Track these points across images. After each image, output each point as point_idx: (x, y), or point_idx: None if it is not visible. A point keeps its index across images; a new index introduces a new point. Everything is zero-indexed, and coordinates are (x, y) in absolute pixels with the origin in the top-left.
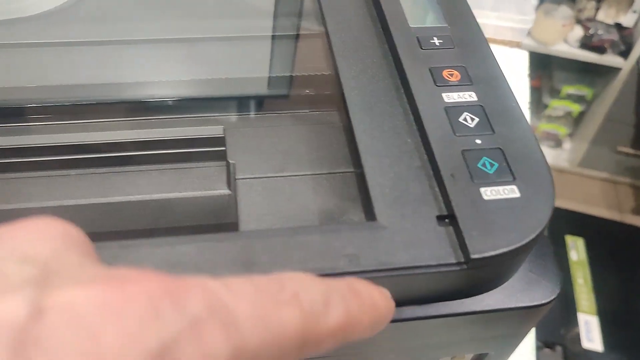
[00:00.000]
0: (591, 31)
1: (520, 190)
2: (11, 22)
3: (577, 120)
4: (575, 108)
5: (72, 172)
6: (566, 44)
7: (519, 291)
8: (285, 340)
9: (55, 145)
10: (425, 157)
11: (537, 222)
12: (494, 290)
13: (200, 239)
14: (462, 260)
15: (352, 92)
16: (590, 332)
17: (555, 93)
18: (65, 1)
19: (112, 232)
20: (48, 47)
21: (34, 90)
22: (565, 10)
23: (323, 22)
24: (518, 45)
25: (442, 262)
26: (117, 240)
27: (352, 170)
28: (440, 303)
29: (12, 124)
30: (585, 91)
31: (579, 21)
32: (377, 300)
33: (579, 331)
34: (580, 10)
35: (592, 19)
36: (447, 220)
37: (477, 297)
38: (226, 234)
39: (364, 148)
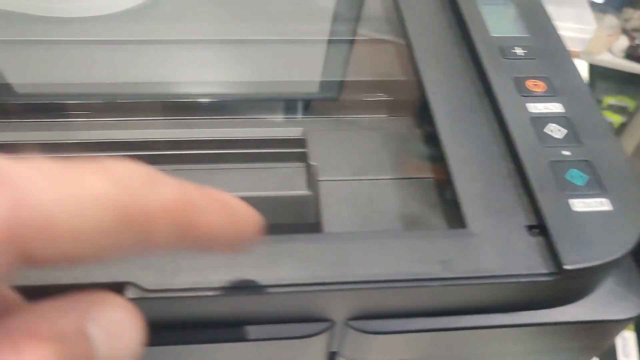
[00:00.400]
0: (637, 41)
1: (613, 204)
2: (89, 20)
3: (617, 132)
4: (617, 119)
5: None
6: (610, 53)
7: (605, 304)
8: (93, 205)
9: (135, 141)
10: (512, 166)
11: (630, 236)
12: (579, 302)
13: (286, 239)
14: (555, 270)
15: (437, 99)
16: (626, 348)
17: None
18: (143, 1)
19: None
20: (124, 44)
21: (112, 86)
22: (611, 20)
23: (404, 29)
24: (577, 55)
25: (534, 271)
26: None
27: (432, 176)
28: (525, 312)
29: (96, 119)
30: (627, 102)
31: (624, 31)
32: (231, 202)
33: (615, 346)
34: (626, 20)
35: (638, 29)
36: (537, 230)
37: (562, 307)
38: (316, 235)
39: (451, 155)
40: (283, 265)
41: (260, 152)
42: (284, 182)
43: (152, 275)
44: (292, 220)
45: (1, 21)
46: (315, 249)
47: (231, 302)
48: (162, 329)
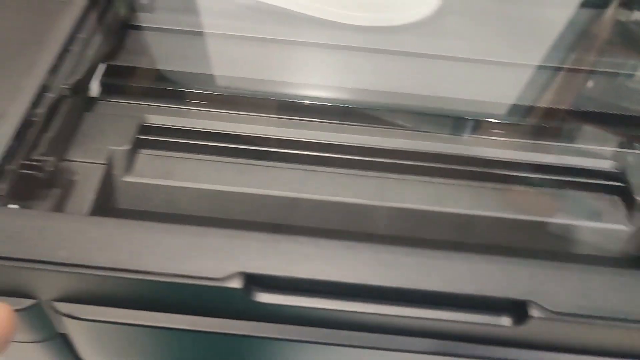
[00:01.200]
0: None
1: None
2: (376, 30)
3: None
4: None
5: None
6: None
7: None
8: None
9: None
10: None
11: None
12: None
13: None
14: None
15: None
16: None
17: None
18: (426, 16)
19: (495, 246)
20: (395, 55)
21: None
22: None
23: None
24: None
25: None
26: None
27: None
28: None
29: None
30: None
31: None
32: None
33: None
34: None
35: None
36: None
37: None
38: None
39: None
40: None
41: (568, 180)
42: (596, 212)
43: (558, 297)
44: (601, 252)
45: (300, 24)
46: None
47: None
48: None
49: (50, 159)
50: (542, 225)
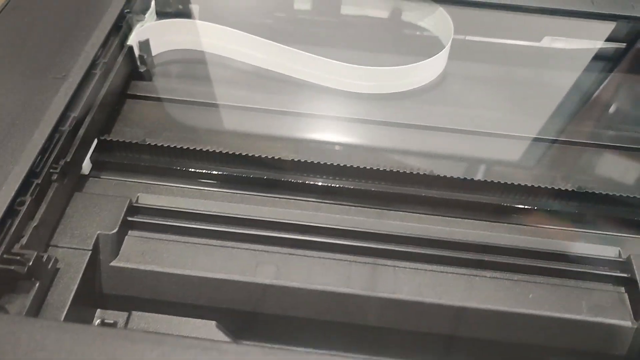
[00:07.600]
0: None
1: None
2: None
3: None
4: None
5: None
6: None
7: None
8: None
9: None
10: None
11: None
12: None
13: None
14: None
15: None
16: None
17: None
18: (427, 83)
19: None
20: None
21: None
22: None
23: None
24: None
25: None
26: None
27: None
28: None
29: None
30: None
31: None
32: None
33: None
34: None
35: None
36: None
37: None
38: None
39: None
40: None
41: (568, 270)
42: (596, 306)
43: None
44: (600, 349)
45: (301, 92)
46: None
47: None
48: None
49: (32, 252)
50: (537, 318)
